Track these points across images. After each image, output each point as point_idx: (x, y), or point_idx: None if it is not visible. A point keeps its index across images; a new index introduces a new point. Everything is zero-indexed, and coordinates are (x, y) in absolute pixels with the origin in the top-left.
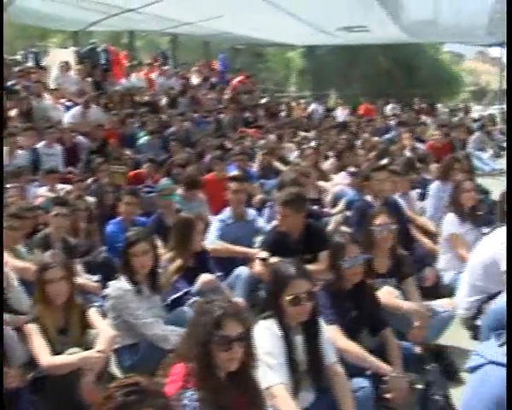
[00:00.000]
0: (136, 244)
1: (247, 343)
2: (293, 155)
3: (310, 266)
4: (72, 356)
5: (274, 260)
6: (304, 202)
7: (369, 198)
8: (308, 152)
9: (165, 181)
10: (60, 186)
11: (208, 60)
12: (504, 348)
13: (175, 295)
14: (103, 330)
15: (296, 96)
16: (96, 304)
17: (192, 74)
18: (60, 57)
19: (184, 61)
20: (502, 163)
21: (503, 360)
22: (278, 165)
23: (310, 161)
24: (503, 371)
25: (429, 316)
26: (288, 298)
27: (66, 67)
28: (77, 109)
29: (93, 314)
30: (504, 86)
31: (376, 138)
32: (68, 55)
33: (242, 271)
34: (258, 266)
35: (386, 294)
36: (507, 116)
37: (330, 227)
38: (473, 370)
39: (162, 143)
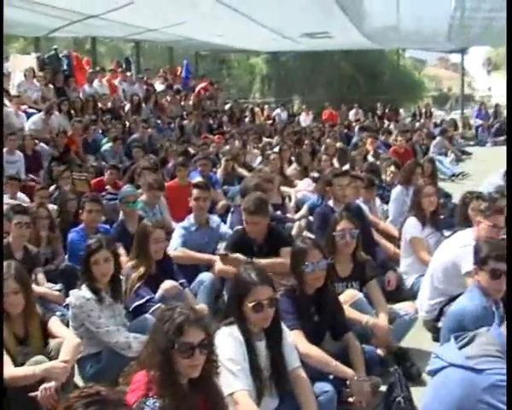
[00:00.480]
0: (97, 252)
1: (209, 350)
2: (257, 161)
3: (272, 259)
4: (35, 367)
5: (235, 255)
6: (267, 205)
7: (331, 203)
8: (271, 158)
9: (127, 188)
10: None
11: (172, 66)
12: (463, 350)
13: (137, 303)
14: (67, 339)
15: (260, 102)
16: (57, 313)
17: (155, 80)
18: (20, 63)
19: (148, 66)
20: (462, 167)
21: (463, 362)
22: (242, 171)
23: (273, 167)
24: (463, 373)
25: (389, 329)
26: (250, 305)
27: (31, 73)
28: (39, 116)
29: (54, 323)
30: (466, 92)
31: (339, 144)
32: (29, 60)
33: (205, 277)
34: (218, 264)
35: (349, 296)
36: (507, 116)
37: (293, 232)
38: (433, 373)
39: (125, 150)
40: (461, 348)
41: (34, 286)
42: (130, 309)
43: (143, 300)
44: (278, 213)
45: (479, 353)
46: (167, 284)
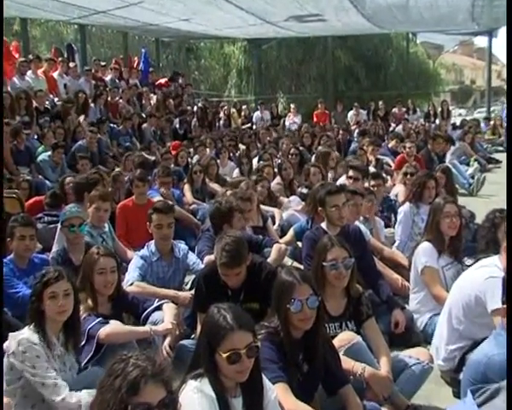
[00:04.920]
0: (55, 283)
1: None
2: (234, 173)
3: None
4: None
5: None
6: (245, 247)
7: (324, 226)
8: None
9: (71, 208)
10: None
11: (127, 55)
12: (483, 409)
13: (88, 326)
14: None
15: (237, 101)
16: None
17: (107, 73)
18: None
19: (97, 56)
20: (488, 178)
21: None
22: (215, 186)
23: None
24: None
25: (389, 381)
26: (224, 354)
27: None
28: None
29: None
30: (494, 84)
31: (334, 152)
32: None
33: (158, 316)
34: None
35: (345, 340)
36: (507, 116)
37: (270, 258)
38: None
39: (68, 161)
40: (480, 405)
41: None
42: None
43: (94, 322)
44: (260, 237)
45: None
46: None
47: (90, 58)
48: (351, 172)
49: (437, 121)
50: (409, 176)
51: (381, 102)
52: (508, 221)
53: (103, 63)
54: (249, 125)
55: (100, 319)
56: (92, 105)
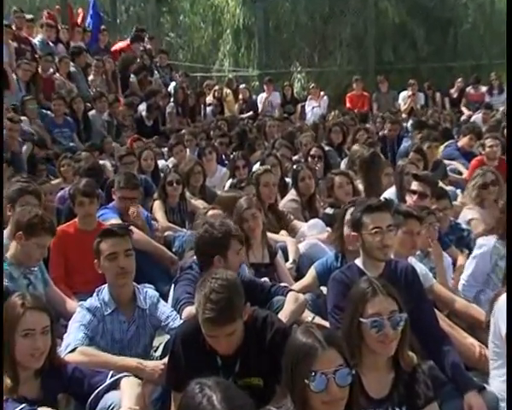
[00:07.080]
0: None
1: None
2: (228, 184)
3: None
4: None
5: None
6: (241, 302)
7: (359, 263)
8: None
9: None
10: None
11: (66, 6)
12: None
13: None
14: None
15: (233, 78)
16: None
17: (35, 32)
18: None
19: (19, 6)
20: None
21: None
22: (199, 204)
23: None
24: None
25: None
26: None
27: None
28: None
29: None
30: None
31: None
32: None
33: (114, 399)
34: None
35: None
36: (507, 117)
37: (283, 313)
38: None
39: None
40: None
41: None
42: None
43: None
44: (266, 280)
45: None
46: None
47: (9, 8)
48: (415, 185)
49: None
50: (490, 187)
51: (460, 80)
52: (508, 224)
53: (29, 16)
54: (251, 113)
55: (23, 405)
56: (15, 80)
